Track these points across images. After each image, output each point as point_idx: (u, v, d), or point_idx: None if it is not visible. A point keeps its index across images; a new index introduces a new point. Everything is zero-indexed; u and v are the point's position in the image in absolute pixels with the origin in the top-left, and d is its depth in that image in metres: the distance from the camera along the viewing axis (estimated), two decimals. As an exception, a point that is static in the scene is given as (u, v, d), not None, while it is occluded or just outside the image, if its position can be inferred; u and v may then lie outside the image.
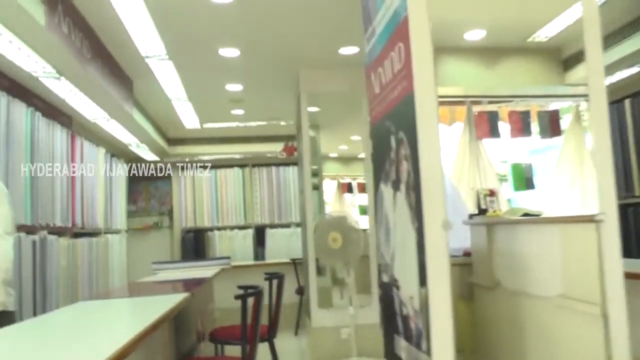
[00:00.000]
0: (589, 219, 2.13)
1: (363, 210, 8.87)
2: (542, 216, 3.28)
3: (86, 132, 5.34)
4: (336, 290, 5.47)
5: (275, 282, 3.87)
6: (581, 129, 5.15)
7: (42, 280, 4.07)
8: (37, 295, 3.97)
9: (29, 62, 3.58)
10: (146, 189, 7.95)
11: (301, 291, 6.42)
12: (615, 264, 1.98)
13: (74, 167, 4.94)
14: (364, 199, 8.74)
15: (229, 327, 3.69)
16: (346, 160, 9.32)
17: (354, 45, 4.69)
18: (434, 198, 1.73)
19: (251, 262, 7.57)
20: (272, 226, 8.04)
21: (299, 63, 5.07)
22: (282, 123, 7.44)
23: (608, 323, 2.04)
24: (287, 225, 8.08)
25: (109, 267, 5.88)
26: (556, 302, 2.45)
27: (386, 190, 2.13)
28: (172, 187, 7.94)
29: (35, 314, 3.86)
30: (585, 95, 4.59)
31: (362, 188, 9.07)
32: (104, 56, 4.31)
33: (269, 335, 3.61)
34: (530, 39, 4.72)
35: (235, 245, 7.88)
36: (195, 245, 7.78)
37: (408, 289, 1.89)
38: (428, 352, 1.68)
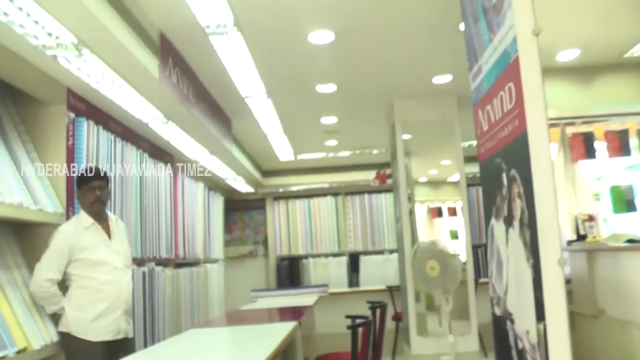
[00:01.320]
0: None
1: (454, 235, 8.72)
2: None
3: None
4: (431, 317, 5.40)
5: (378, 310, 3.90)
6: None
7: (150, 309, 4.34)
8: (147, 323, 4.24)
9: (142, 110, 3.90)
10: (241, 219, 8.28)
11: (398, 318, 6.38)
12: None
13: (175, 202, 5.27)
14: (454, 223, 8.60)
15: (335, 354, 3.76)
16: (435, 184, 9.24)
17: (447, 74, 4.71)
18: (549, 236, 1.71)
19: (346, 289, 7.63)
20: (366, 253, 8.09)
21: (393, 93, 5.17)
22: (375, 151, 7.52)
23: None
24: (381, 252, 8.10)
25: (209, 295, 6.15)
26: None
27: (497, 225, 2.12)
28: (266, 217, 8.22)
29: (145, 341, 4.12)
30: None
31: (452, 212, 8.94)
32: (207, 99, 4.60)
33: (373, 362, 3.64)
34: (627, 55, 4.51)
35: (329, 272, 7.98)
36: (290, 272, 7.96)
37: (524, 323, 1.87)
38: None
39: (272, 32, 3.67)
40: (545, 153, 1.68)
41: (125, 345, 3.14)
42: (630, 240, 3.07)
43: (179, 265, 5.29)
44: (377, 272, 7.97)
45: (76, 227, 3.05)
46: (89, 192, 3.10)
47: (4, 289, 2.81)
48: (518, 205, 1.85)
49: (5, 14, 2.37)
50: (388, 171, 7.92)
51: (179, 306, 5.05)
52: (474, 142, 7.08)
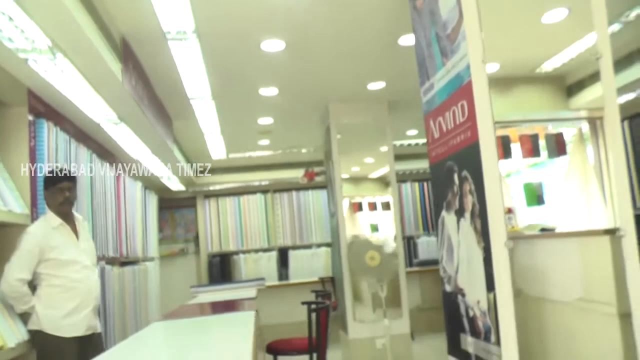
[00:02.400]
0: (605, 232, 2.54)
1: (374, 228, 9.29)
2: (557, 230, 3.69)
3: (128, 169, 5.74)
4: (358, 307, 5.82)
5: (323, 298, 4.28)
6: (584, 149, 5.61)
7: (103, 306, 4.43)
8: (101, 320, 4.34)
9: (99, 112, 3.99)
10: (172, 217, 8.34)
11: (333, 307, 6.80)
12: (636, 272, 2.37)
13: (119, 201, 5.33)
14: (375, 217, 9.17)
15: (285, 340, 4.08)
16: (357, 180, 9.75)
17: (381, 81, 5.16)
18: (497, 224, 2.15)
19: (277, 282, 7.96)
20: (295, 247, 8.45)
21: (330, 97, 5.55)
22: (303, 150, 7.86)
23: (630, 322, 2.42)
24: (309, 246, 8.49)
25: (148, 293, 6.24)
26: (576, 304, 2.81)
27: (448, 216, 2.55)
28: (197, 214, 8.33)
29: (106, 336, 4.23)
30: (586, 118, 5.08)
31: (372, 207, 9.50)
32: (155, 100, 4.73)
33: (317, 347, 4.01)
34: (538, 70, 5.19)
35: (260, 267, 8.25)
36: (221, 268, 8.14)
37: (474, 295, 2.30)
38: (497, 342, 2.10)
39: (227, 39, 3.90)
40: (493, 158, 2.12)
41: (94, 340, 3.27)
42: (543, 229, 3.65)
43: (123, 264, 5.35)
44: (306, 266, 8.36)
45: (45, 228, 3.13)
46: (58, 193, 3.19)
47: (-26, 290, 2.86)
48: (469, 200, 2.27)
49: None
50: (316, 169, 8.34)
51: (124, 304, 5.14)
52: (399, 142, 7.68)
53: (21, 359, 3.02)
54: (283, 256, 8.40)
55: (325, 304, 3.26)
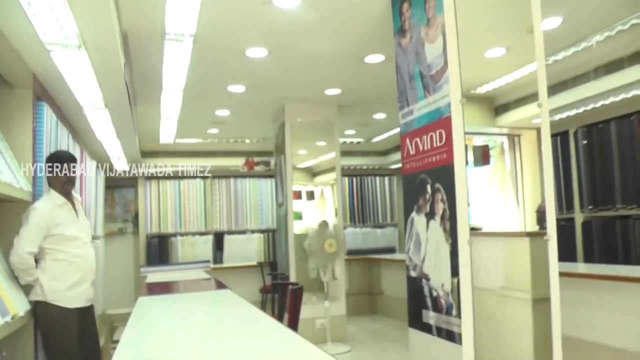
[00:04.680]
0: (527, 234, 3.31)
1: (298, 216, 9.92)
2: (482, 230, 4.48)
3: (90, 149, 5.90)
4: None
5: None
6: (503, 160, 6.58)
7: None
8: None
9: (89, 98, 4.25)
10: (112, 196, 8.45)
11: (267, 290, 7.32)
12: (554, 267, 3.12)
13: (81, 180, 5.51)
14: (298, 205, 9.79)
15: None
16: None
17: (337, 88, 5.76)
18: (463, 226, 2.82)
19: (213, 265, 8.35)
20: (230, 232, 8.89)
21: (288, 98, 6.07)
22: (247, 141, 8.29)
23: (544, 307, 3.18)
24: (243, 232, 8.97)
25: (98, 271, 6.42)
26: (499, 292, 3.55)
27: (418, 217, 3.20)
28: (137, 195, 8.50)
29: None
30: (508, 135, 5.97)
31: (297, 195, 10.12)
32: (132, 87, 4.99)
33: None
34: (473, 91, 6.04)
35: (196, 250, 8.61)
36: (159, 250, 8.40)
37: (439, 279, 2.98)
38: (458, 315, 2.79)
39: (217, 44, 4.31)
40: (463, 178, 2.78)
41: (90, 311, 3.60)
42: (471, 229, 4.42)
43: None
44: (240, 250, 8.85)
45: (50, 205, 3.38)
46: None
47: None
48: (440, 206, 2.92)
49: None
50: (256, 159, 8.81)
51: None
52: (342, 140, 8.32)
53: (22, 328, 3.28)
54: (219, 240, 8.82)
55: (300, 285, 3.79)
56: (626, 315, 3.86)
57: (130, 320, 2.70)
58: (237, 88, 5.54)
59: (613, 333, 3.95)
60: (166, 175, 8.54)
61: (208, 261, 6.71)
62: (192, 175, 8.72)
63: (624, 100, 5.23)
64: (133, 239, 8.50)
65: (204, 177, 8.83)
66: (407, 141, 3.32)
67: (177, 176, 8.64)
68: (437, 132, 2.97)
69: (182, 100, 5.76)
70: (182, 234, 8.62)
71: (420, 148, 3.16)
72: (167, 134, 7.42)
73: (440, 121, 2.95)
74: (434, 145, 3.00)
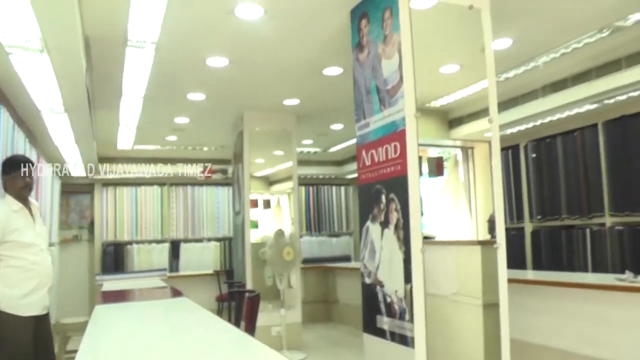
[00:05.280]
0: (478, 243, 3.48)
1: (254, 225, 9.96)
2: (436, 238, 4.66)
3: (46, 154, 5.81)
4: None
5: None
6: (457, 171, 6.82)
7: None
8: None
9: (48, 102, 4.22)
10: (67, 202, 8.28)
11: (223, 298, 7.32)
12: (503, 274, 3.30)
13: (38, 186, 5.42)
14: (254, 214, 9.84)
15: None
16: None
17: (296, 99, 5.87)
18: (416, 234, 2.96)
19: (169, 274, 8.28)
20: (186, 241, 8.85)
21: (247, 107, 6.15)
22: (205, 149, 8.30)
23: (494, 312, 3.35)
24: (200, 240, 8.94)
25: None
26: (451, 298, 3.71)
27: (373, 226, 3.33)
28: (93, 202, 8.36)
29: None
30: (461, 147, 6.19)
31: (253, 204, 10.17)
32: (92, 92, 4.96)
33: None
34: (428, 105, 6.25)
35: (152, 258, 8.52)
36: (115, 258, 8.27)
37: (393, 286, 3.10)
38: (411, 320, 2.92)
39: (178, 53, 4.35)
40: (416, 188, 2.92)
41: (46, 319, 3.54)
42: (425, 237, 4.58)
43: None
44: (196, 259, 8.82)
45: (6, 211, 3.31)
46: (19, 178, 3.39)
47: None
48: (394, 216, 3.05)
49: None
50: (214, 167, 8.81)
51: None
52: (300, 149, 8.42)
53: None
54: (175, 248, 8.76)
55: (257, 292, 3.86)
56: (568, 318, 4.10)
57: (87, 328, 2.69)
58: (197, 96, 5.58)
59: (556, 335, 4.18)
60: (123, 181, 8.43)
61: (165, 269, 6.69)
62: (149, 182, 8.65)
63: (568, 117, 5.54)
64: (88, 247, 8.34)
65: (161, 184, 8.77)
66: (363, 152, 3.45)
67: (134, 183, 8.54)
68: (392, 144, 3.11)
69: (142, 107, 5.74)
70: (138, 242, 8.52)
71: (376, 159, 3.29)
72: (126, 140, 7.35)
73: (395, 134, 3.09)
74: (389, 157, 3.13)
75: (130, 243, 8.46)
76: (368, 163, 3.38)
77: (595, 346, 3.85)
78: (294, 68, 4.87)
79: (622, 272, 3.97)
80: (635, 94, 4.66)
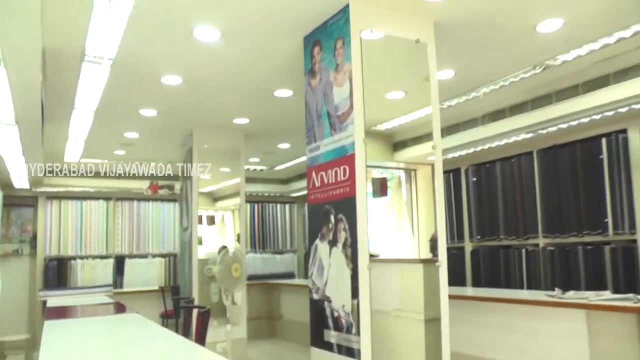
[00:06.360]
0: (420, 261, 3.70)
1: (198, 241, 9.93)
2: (380, 256, 4.86)
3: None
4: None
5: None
6: (400, 191, 7.11)
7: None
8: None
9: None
10: (7, 215, 8.03)
11: (168, 315, 7.26)
12: (444, 291, 3.51)
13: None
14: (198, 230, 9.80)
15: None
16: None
17: (246, 118, 6.02)
18: (363, 252, 3.13)
19: (117, 290, 8.14)
20: (131, 256, 8.74)
21: (197, 124, 6.25)
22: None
23: (435, 326, 3.56)
24: (145, 256, 8.85)
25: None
26: (394, 313, 3.90)
27: (321, 244, 3.48)
28: (37, 216, 8.14)
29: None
30: (405, 169, 6.45)
31: (198, 220, 10.14)
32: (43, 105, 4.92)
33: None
34: (373, 128, 6.51)
35: (96, 274, 8.36)
36: (58, 273, 8.06)
37: (340, 301, 3.25)
38: (358, 333, 3.08)
39: (133, 69, 4.41)
40: (364, 209, 3.11)
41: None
42: (370, 255, 4.78)
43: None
44: (141, 275, 8.72)
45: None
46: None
47: None
48: (343, 235, 3.22)
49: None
50: (161, 182, 8.78)
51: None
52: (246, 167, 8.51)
53: None
54: (119, 264, 8.63)
55: (207, 308, 3.92)
56: (504, 331, 4.39)
57: (42, 345, 2.70)
58: (149, 112, 5.61)
59: (493, 347, 4.46)
60: (68, 194, 8.26)
61: (110, 285, 6.58)
62: (95, 196, 8.52)
63: (506, 144, 5.92)
64: (29, 261, 8.09)
65: (106, 199, 8.65)
66: (313, 174, 3.61)
67: (79, 197, 8.39)
68: (342, 167, 3.29)
69: (93, 121, 5.71)
70: (82, 257, 8.35)
71: (326, 181, 3.46)
72: (73, 153, 7.24)
73: (345, 158, 3.28)
74: (338, 179, 3.31)
75: (74, 258, 8.27)
76: (318, 184, 3.54)
77: (528, 357, 4.15)
78: (246, 89, 5.01)
79: (553, 289, 4.29)
80: (564, 126, 5.07)
